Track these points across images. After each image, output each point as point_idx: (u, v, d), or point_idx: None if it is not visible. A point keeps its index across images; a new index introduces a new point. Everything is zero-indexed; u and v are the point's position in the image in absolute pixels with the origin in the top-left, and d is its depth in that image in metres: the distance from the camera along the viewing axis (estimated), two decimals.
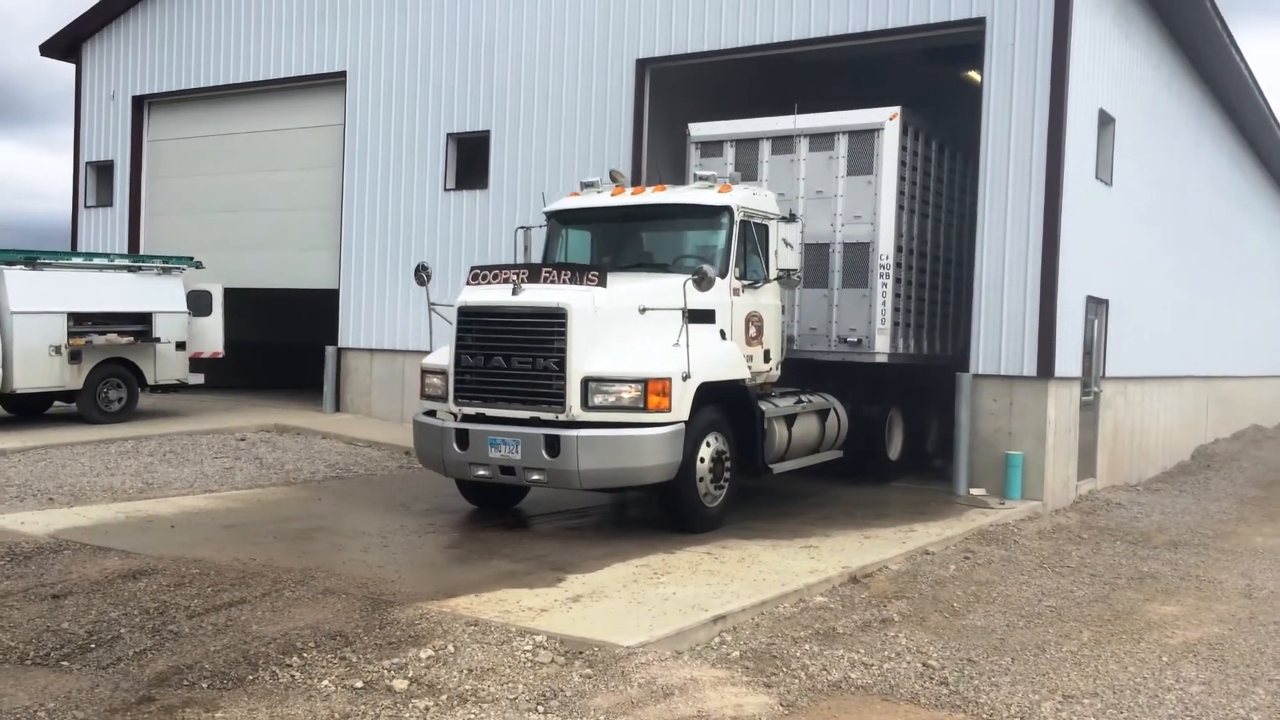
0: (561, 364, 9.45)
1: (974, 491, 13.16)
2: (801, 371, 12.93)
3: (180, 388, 17.86)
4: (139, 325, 16.92)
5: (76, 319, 16.16)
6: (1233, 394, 24.74)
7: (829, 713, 5.94)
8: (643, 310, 9.79)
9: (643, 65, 16.15)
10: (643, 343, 9.70)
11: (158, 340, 17.07)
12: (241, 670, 6.06)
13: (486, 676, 6.08)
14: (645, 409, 9.39)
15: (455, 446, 9.88)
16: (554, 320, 9.50)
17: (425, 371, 10.58)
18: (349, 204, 18.93)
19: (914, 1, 13.89)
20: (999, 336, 13.28)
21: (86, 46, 22.43)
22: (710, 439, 10.13)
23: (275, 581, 7.67)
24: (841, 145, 13.11)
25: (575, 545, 9.54)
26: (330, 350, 18.90)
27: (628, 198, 11.63)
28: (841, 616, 7.82)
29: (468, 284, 10.13)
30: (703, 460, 10.02)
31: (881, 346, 12.99)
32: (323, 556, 8.77)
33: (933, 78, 17.56)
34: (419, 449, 10.63)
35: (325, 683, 5.94)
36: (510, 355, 9.71)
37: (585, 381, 9.41)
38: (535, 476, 9.57)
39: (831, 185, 13.16)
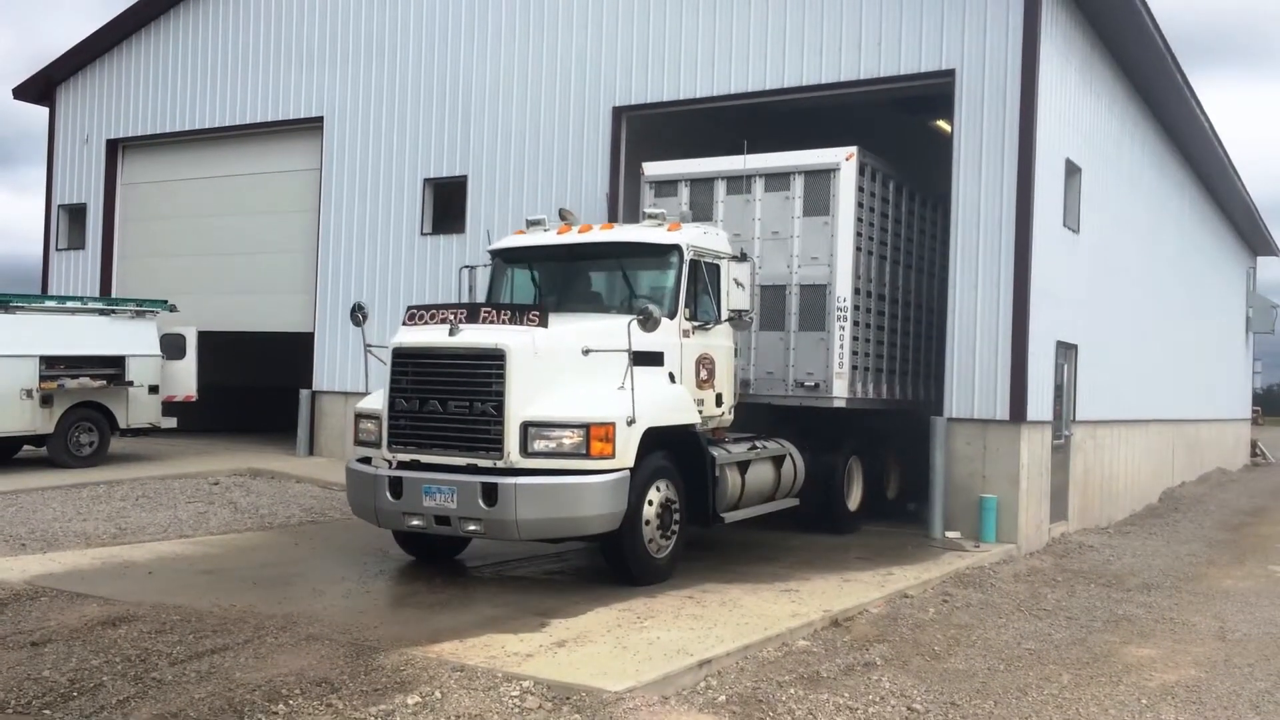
0: (500, 408, 9.06)
1: (949, 534, 13.27)
2: (758, 417, 12.71)
3: (153, 431, 17.70)
4: (112, 369, 16.82)
5: (48, 362, 16.05)
6: (1197, 437, 25.15)
7: None
8: (586, 352, 9.39)
9: (619, 112, 16.38)
10: (586, 386, 9.34)
11: (130, 384, 16.97)
12: (227, 718, 6.02)
13: None
14: (588, 455, 9.00)
15: (389, 495, 9.41)
16: (492, 362, 9.13)
17: (359, 416, 10.14)
18: (325, 248, 18.97)
19: (885, 54, 14.21)
20: (972, 381, 13.47)
21: (60, 90, 22.44)
22: (658, 487, 9.74)
23: (257, 628, 7.62)
24: (797, 185, 12.90)
25: (556, 590, 9.54)
26: (305, 394, 18.83)
27: (574, 236, 11.34)
28: (825, 660, 7.86)
29: (404, 324, 9.74)
30: (649, 508, 9.62)
31: (839, 391, 12.74)
32: (304, 602, 8.71)
33: (902, 125, 17.91)
34: (351, 498, 10.14)
35: None
36: (447, 399, 9.30)
37: (525, 426, 9.03)
38: (471, 527, 9.14)
39: (788, 226, 12.93)
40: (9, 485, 14.54)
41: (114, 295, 20.88)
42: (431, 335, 9.43)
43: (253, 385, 22.54)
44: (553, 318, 9.58)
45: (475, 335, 9.26)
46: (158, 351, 17.49)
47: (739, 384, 12.09)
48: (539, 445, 9.03)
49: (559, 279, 11.58)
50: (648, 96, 16.13)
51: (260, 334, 20.19)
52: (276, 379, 21.34)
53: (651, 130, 16.38)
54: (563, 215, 11.98)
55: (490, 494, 8.95)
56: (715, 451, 10.63)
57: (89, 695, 6.34)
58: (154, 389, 17.40)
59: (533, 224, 11.79)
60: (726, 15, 15.34)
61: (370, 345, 10.17)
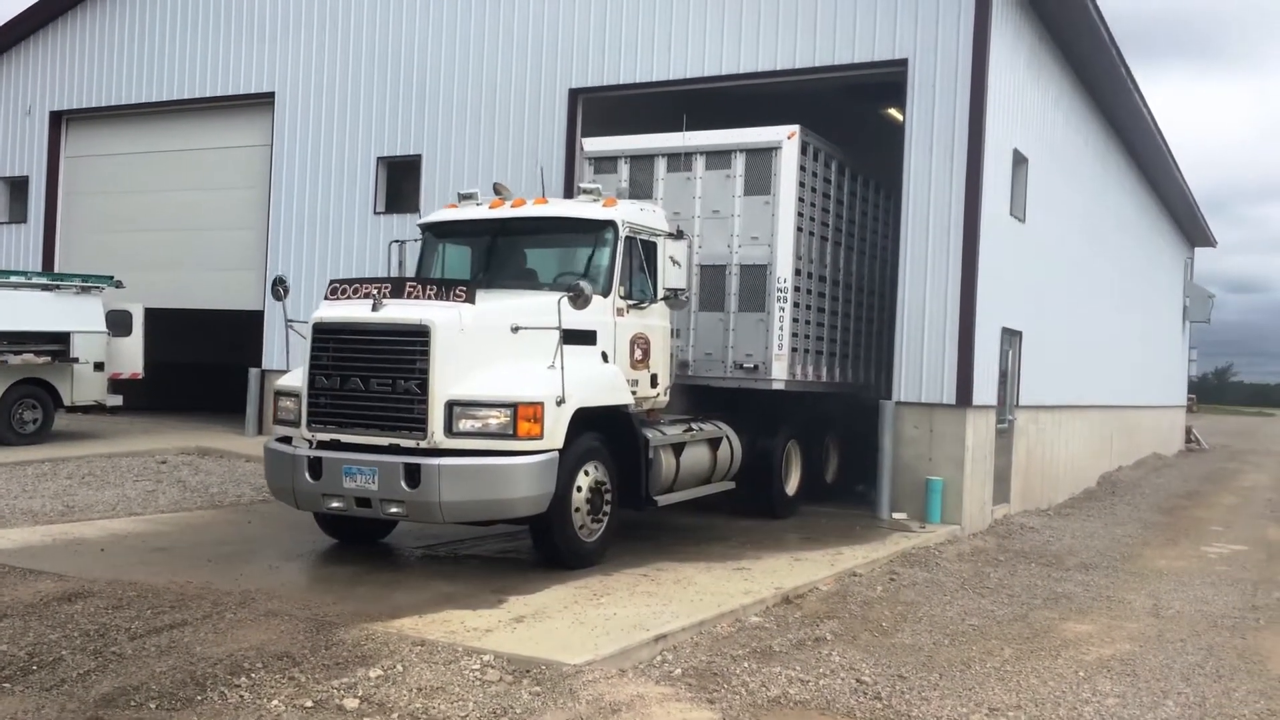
0: (424, 386, 8.74)
1: (896, 515, 13.56)
2: (697, 399, 12.58)
3: (98, 409, 17.47)
4: (56, 345, 16.57)
5: None
6: (1135, 423, 25.81)
7: None
8: (515, 329, 9.06)
9: (575, 94, 16.41)
10: (514, 364, 9.04)
11: (75, 360, 16.74)
12: (189, 691, 6.06)
13: (436, 695, 6.16)
14: (515, 436, 8.71)
15: (307, 476, 9.08)
16: (416, 339, 8.79)
17: (278, 394, 9.80)
18: (275, 225, 18.80)
19: (840, 42, 14.40)
20: (920, 365, 13.75)
21: (2, 59, 21.92)
22: (588, 469, 9.50)
23: (215, 604, 7.63)
24: (739, 164, 12.66)
25: (512, 568, 9.64)
26: (254, 372, 18.66)
27: (506, 210, 11.00)
28: (777, 635, 8.06)
29: (325, 298, 9.39)
30: (579, 491, 9.39)
31: (779, 373, 12.51)
32: (260, 579, 8.72)
33: (855, 112, 18.11)
34: (270, 479, 9.81)
35: (275, 703, 5.96)
36: (369, 376, 8.96)
37: (449, 405, 8.72)
38: (393, 509, 8.86)
39: (728, 205, 12.68)
40: None
41: (57, 270, 20.51)
42: (354, 310, 9.10)
43: (200, 363, 22.30)
44: (482, 294, 9.34)
45: (399, 311, 8.94)
46: (103, 328, 17.25)
47: (677, 365, 11.96)
48: (464, 425, 8.75)
49: (491, 255, 11.23)
50: (604, 79, 16.17)
51: (208, 311, 19.97)
52: (224, 357, 21.12)
53: (608, 113, 16.42)
54: (497, 189, 11.64)
55: (413, 475, 8.68)
56: (649, 433, 10.44)
57: (49, 669, 6.34)
58: (99, 366, 17.18)
59: (465, 198, 11.49)
60: (682, 1, 15.42)
61: (291, 320, 9.87)
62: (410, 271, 11.66)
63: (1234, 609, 10.25)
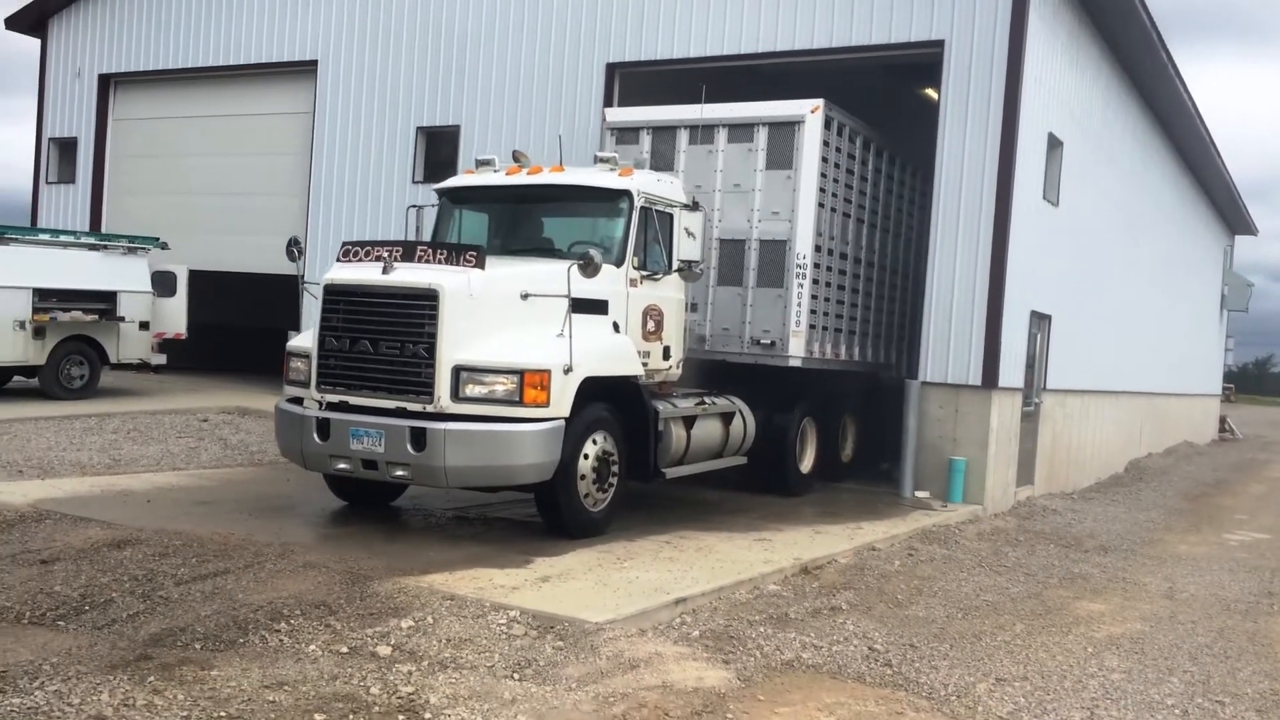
0: (431, 350, 8.74)
1: (918, 494, 13.75)
2: (713, 374, 12.50)
3: (142, 367, 17.99)
4: (103, 304, 17.06)
5: (42, 295, 16.30)
6: (1166, 410, 25.73)
7: (782, 688, 6.42)
8: (525, 296, 9.09)
9: (612, 69, 16.57)
10: (523, 331, 9.02)
11: (122, 319, 17.22)
12: (232, 634, 6.41)
13: (465, 646, 6.48)
14: (521, 403, 8.71)
15: (315, 437, 9.13)
16: (425, 303, 8.78)
17: (289, 354, 9.78)
18: (316, 192, 19.15)
19: (877, 22, 14.46)
20: (947, 346, 13.87)
21: (53, 22, 22.41)
22: (595, 438, 9.48)
23: (256, 554, 7.99)
24: (761, 137, 12.47)
25: (539, 531, 9.91)
26: (292, 335, 19.01)
27: (523, 177, 10.92)
28: (793, 603, 8.31)
29: (338, 260, 9.40)
30: (585, 460, 9.37)
31: (796, 350, 12.37)
32: (298, 533, 9.10)
33: (890, 91, 18.13)
34: (279, 439, 9.90)
35: (313, 647, 6.30)
36: (378, 339, 8.97)
37: (456, 370, 8.72)
38: (399, 472, 8.89)
39: (750, 179, 12.51)
40: (2, 415, 14.80)
41: (103, 230, 20.99)
42: (364, 272, 9.08)
43: (240, 325, 22.74)
44: (493, 260, 9.31)
45: (409, 274, 8.92)
46: (149, 288, 17.72)
47: (693, 339, 11.90)
48: (471, 390, 8.74)
49: (507, 222, 11.25)
50: (641, 54, 16.32)
51: (249, 275, 20.36)
52: (264, 320, 21.51)
53: (644, 87, 16.55)
54: (515, 157, 11.49)
55: (419, 439, 8.69)
56: (660, 405, 10.38)
57: (100, 609, 6.72)
58: (144, 325, 17.66)
59: (482, 164, 11.40)
60: None
61: (306, 281, 9.89)
62: (427, 237, 11.62)
63: (1249, 594, 10.38)
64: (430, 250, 9.16)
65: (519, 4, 17.29)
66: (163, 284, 18.06)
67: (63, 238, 17.38)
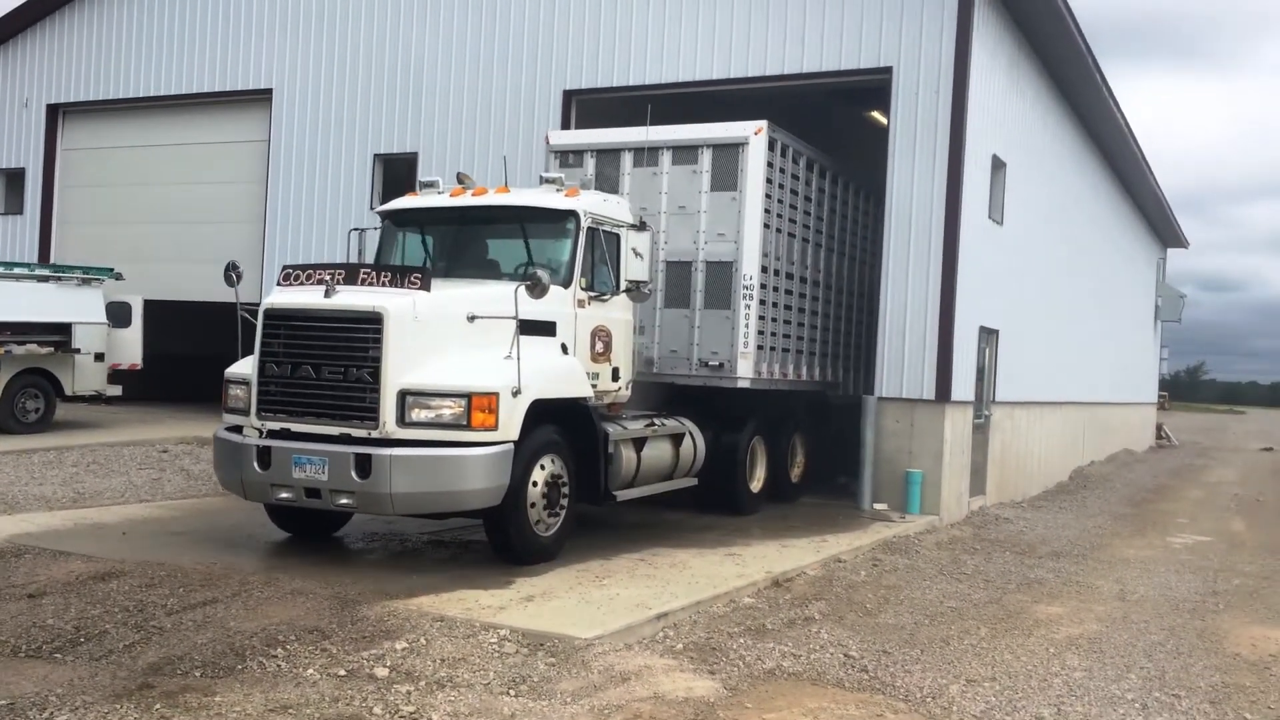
0: (376, 375, 8.60)
1: (877, 506, 14.14)
2: (662, 396, 12.54)
3: (98, 399, 17.82)
4: (58, 335, 16.90)
5: None
6: (1107, 419, 26.54)
7: (767, 695, 6.69)
8: (471, 318, 8.99)
9: (569, 95, 16.89)
10: (470, 354, 8.92)
11: (77, 351, 17.09)
12: (230, 660, 6.53)
13: (459, 665, 6.66)
14: (469, 427, 8.58)
15: (256, 466, 8.96)
16: (369, 326, 8.65)
17: (228, 381, 9.65)
18: (272, 220, 19.19)
19: (827, 50, 14.94)
20: (901, 362, 14.31)
21: None
22: (545, 462, 9.37)
23: (242, 583, 8.10)
24: (705, 159, 12.47)
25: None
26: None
27: (466, 199, 10.80)
28: (769, 615, 8.60)
29: (278, 284, 9.27)
30: (535, 485, 9.25)
31: (744, 371, 12.39)
32: (280, 560, 9.21)
33: (838, 114, 18.62)
34: (218, 469, 9.70)
35: (310, 671, 6.45)
36: (320, 364, 8.81)
37: (402, 395, 8.59)
38: (344, 500, 8.73)
39: (695, 201, 12.50)
40: None
41: (53, 261, 20.79)
42: (306, 296, 8.94)
43: (195, 354, 22.54)
44: (439, 283, 9.19)
45: (352, 297, 8.78)
46: (104, 319, 17.60)
47: (641, 361, 11.92)
48: (417, 415, 8.61)
49: (451, 244, 11.08)
50: (598, 81, 16.65)
51: (205, 304, 20.26)
52: (219, 348, 21.35)
53: (601, 113, 16.84)
54: (460, 178, 11.36)
55: (364, 465, 8.54)
56: (609, 427, 10.29)
57: (95, 641, 6.80)
58: (100, 356, 17.53)
59: (426, 185, 11.27)
60: (676, 7, 15.92)
61: (244, 306, 9.70)
62: (369, 261, 11.36)
63: (1195, 594, 10.87)
64: (374, 273, 9.05)
65: (476, 32, 17.55)
66: (118, 315, 17.95)
67: (16, 269, 17.22)
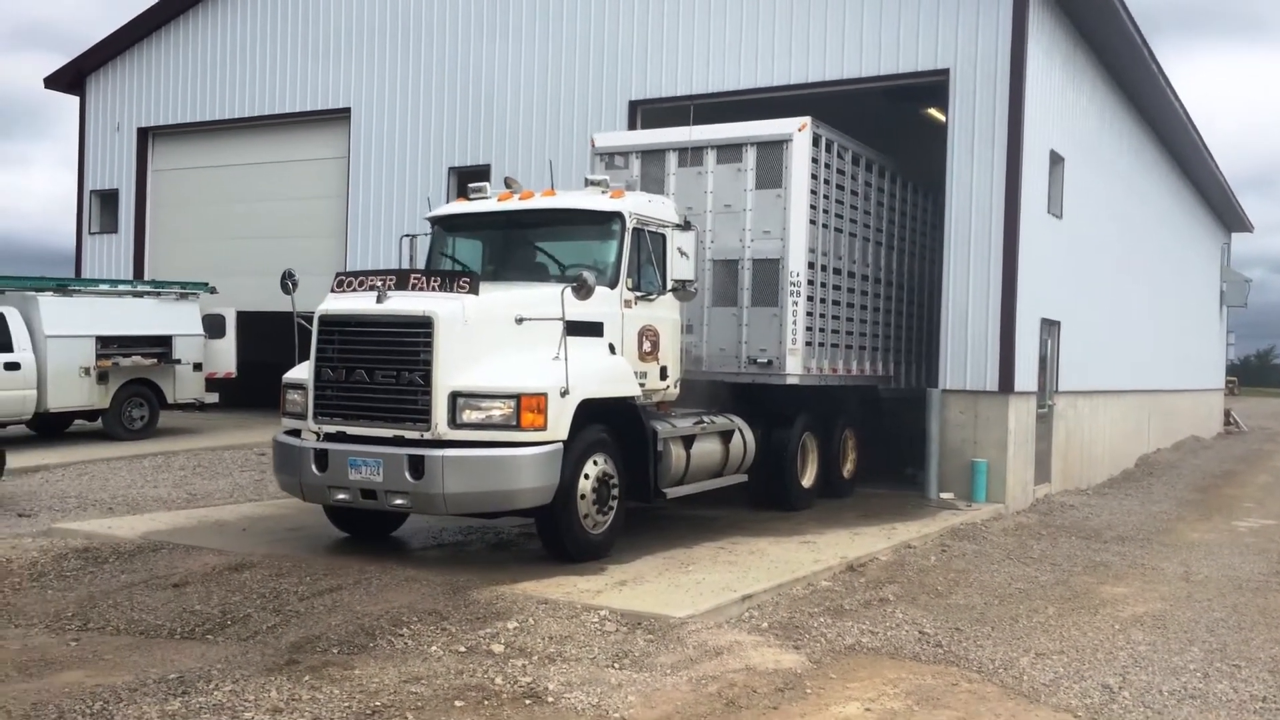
0: (427, 378, 8.80)
1: (943, 495, 14.60)
2: (711, 395, 12.56)
3: (197, 406, 18.86)
4: (160, 347, 17.97)
5: (104, 342, 17.19)
6: (1172, 407, 26.58)
7: (849, 667, 7.27)
8: (519, 320, 9.17)
9: (635, 105, 17.54)
10: (518, 356, 9.07)
11: (177, 361, 18.14)
12: (362, 639, 7.27)
13: (566, 642, 7.34)
14: (519, 427, 8.76)
15: (314, 468, 9.20)
16: (419, 330, 8.87)
17: (286, 386, 9.86)
18: (353, 233, 20.11)
19: (885, 54, 15.41)
20: (964, 355, 14.75)
21: (90, 80, 23.42)
22: (595, 460, 9.51)
23: (361, 572, 8.86)
24: (749, 157, 12.52)
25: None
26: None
27: (514, 203, 10.95)
28: (845, 597, 9.17)
29: (332, 291, 9.50)
30: (585, 482, 9.39)
31: (793, 368, 12.40)
32: (391, 552, 9.97)
33: (893, 112, 18.94)
34: (277, 471, 9.98)
35: (434, 648, 7.16)
36: (373, 368, 9.06)
37: (453, 397, 8.78)
38: (398, 501, 8.96)
39: (740, 199, 12.57)
40: (74, 457, 15.71)
41: (146, 277, 21.94)
42: (358, 302, 9.17)
43: (285, 363, 23.59)
44: (487, 286, 9.35)
45: (403, 302, 8.99)
46: (201, 331, 18.63)
47: (690, 360, 12.07)
48: (468, 416, 8.80)
49: (500, 248, 11.27)
50: (661, 91, 17.27)
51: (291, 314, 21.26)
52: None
53: (665, 121, 17.40)
54: (507, 183, 11.50)
55: (417, 467, 8.74)
56: (658, 425, 10.38)
57: (241, 623, 7.58)
58: (198, 366, 18.58)
59: (475, 191, 11.37)
60: (736, 16, 16.50)
61: (299, 314, 9.86)
62: (421, 266, 11.61)
63: (1259, 574, 11.22)
64: (424, 278, 9.21)
65: (543, 47, 18.27)
66: (213, 326, 19.00)
67: (120, 287, 18.30)
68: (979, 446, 14.67)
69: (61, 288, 17.18)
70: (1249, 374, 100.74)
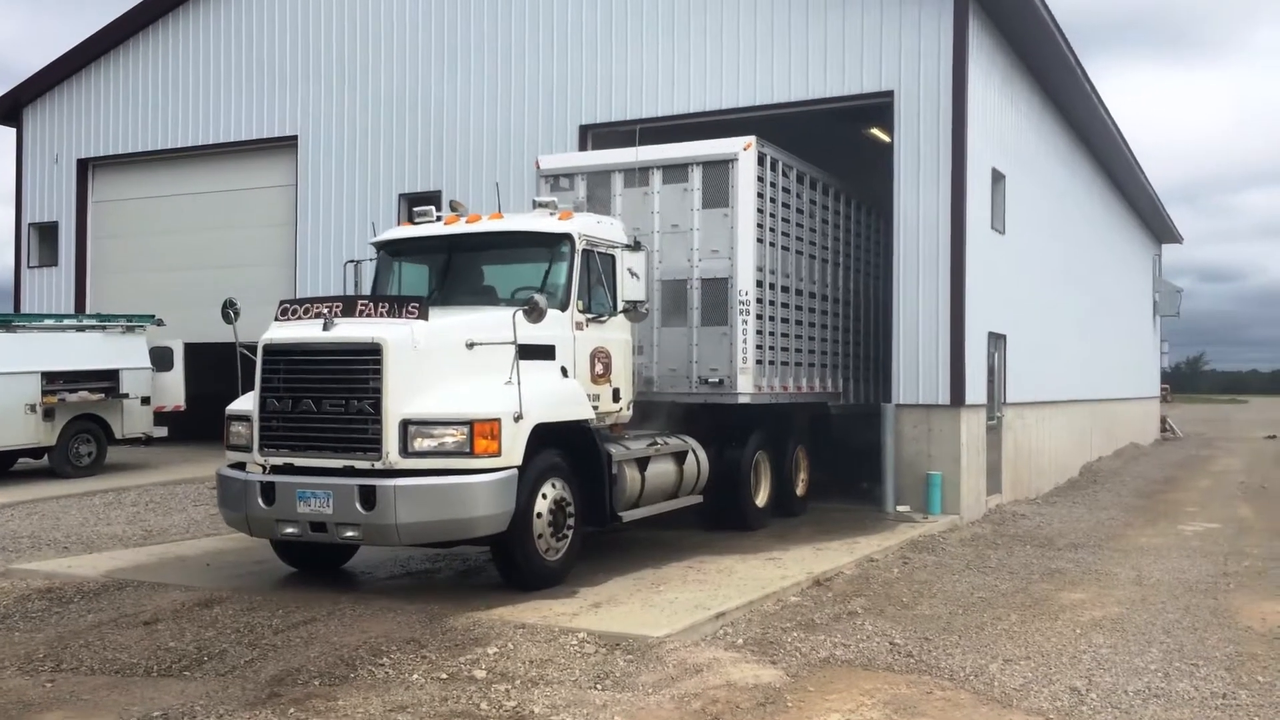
0: (377, 405, 8.64)
1: (900, 508, 14.87)
2: (662, 414, 12.58)
3: (145, 441, 18.57)
4: (107, 382, 17.69)
5: (50, 378, 16.91)
6: (1113, 415, 27.29)
7: (825, 679, 7.41)
8: (470, 345, 9.07)
9: (585, 130, 17.71)
10: (470, 381, 8.96)
11: (125, 396, 17.86)
12: (342, 670, 7.25)
13: (547, 665, 7.38)
14: (472, 454, 8.63)
15: (260, 501, 9.00)
16: (368, 357, 8.70)
17: (229, 418, 9.67)
18: (303, 261, 20.00)
19: (830, 77, 15.77)
20: (916, 369, 15.07)
21: (27, 111, 23.10)
22: (549, 486, 9.41)
23: (334, 603, 8.82)
24: (695, 177, 12.54)
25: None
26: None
27: (461, 226, 10.87)
28: (815, 611, 9.32)
29: (276, 319, 9.30)
30: (540, 509, 9.29)
31: (744, 386, 12.42)
32: (362, 584, 9.93)
33: (838, 133, 19.29)
34: (223, 506, 9.74)
35: (416, 676, 7.16)
36: (321, 397, 8.86)
37: (404, 424, 8.63)
38: (350, 533, 8.78)
39: (687, 218, 12.56)
40: (21, 496, 15.41)
41: (89, 311, 21.58)
42: (304, 330, 9.01)
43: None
44: (436, 311, 9.23)
45: (350, 329, 8.84)
46: (148, 364, 18.37)
47: (641, 381, 12.05)
48: (420, 444, 8.65)
49: (448, 272, 11.04)
50: (611, 115, 17.46)
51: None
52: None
53: (615, 145, 17.62)
54: (453, 206, 11.47)
55: (368, 497, 8.58)
56: (612, 448, 10.31)
57: (217, 659, 7.52)
58: (146, 400, 18.31)
59: (420, 214, 11.28)
60: (684, 41, 16.77)
61: (243, 344, 9.73)
62: (366, 292, 11.42)
63: (1208, 576, 11.58)
64: (371, 304, 9.05)
65: (492, 72, 18.38)
66: (160, 359, 18.75)
67: (65, 321, 18.00)
68: (933, 459, 14.97)
69: (4, 323, 16.88)
70: (1181, 381, 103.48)
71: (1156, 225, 34.25)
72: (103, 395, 17.57)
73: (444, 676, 7.17)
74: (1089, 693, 7.26)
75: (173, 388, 18.98)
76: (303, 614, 8.53)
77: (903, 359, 15.17)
